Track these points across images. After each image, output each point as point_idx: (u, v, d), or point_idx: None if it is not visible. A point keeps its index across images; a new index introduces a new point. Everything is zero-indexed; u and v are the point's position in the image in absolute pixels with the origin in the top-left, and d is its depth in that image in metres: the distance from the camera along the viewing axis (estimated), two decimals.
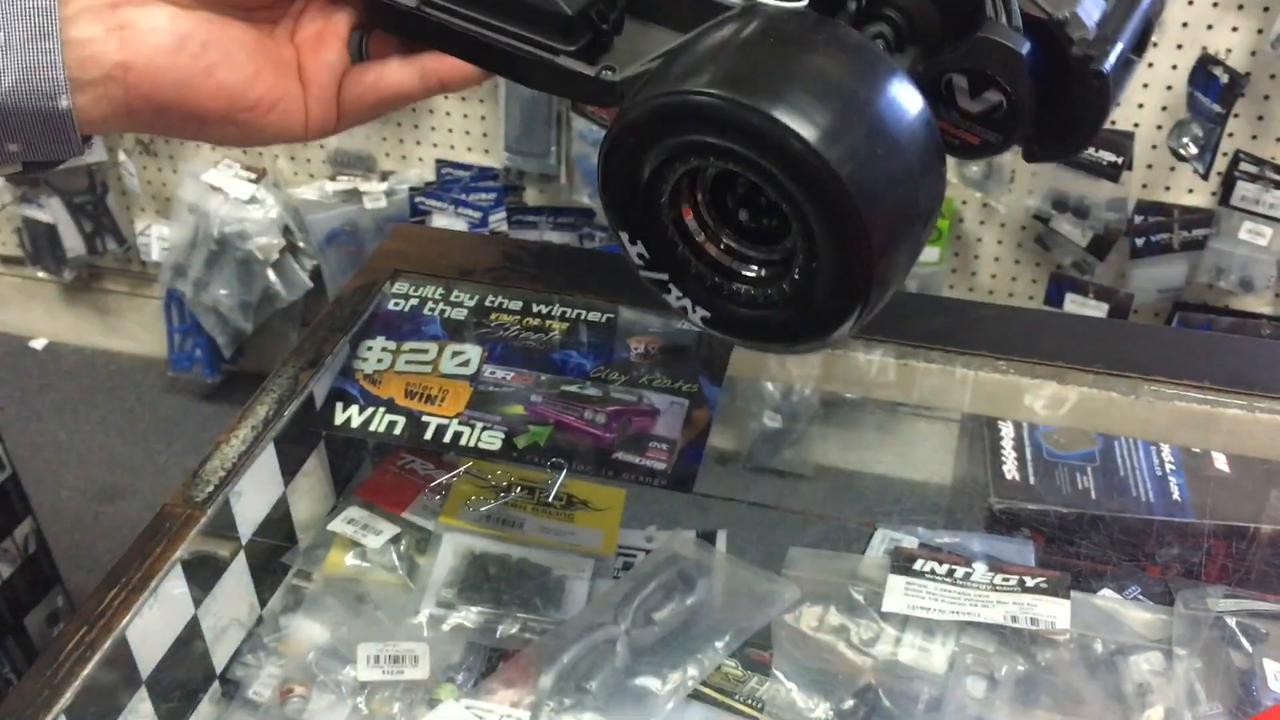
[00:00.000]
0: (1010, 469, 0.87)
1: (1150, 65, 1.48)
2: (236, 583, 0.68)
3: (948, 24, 0.44)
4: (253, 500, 0.69)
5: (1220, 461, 0.86)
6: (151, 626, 0.60)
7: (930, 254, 1.66)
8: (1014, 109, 0.43)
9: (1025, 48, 0.42)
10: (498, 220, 1.77)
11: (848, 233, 0.38)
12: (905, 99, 0.39)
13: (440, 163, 1.81)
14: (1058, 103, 0.44)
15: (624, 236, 0.45)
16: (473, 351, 0.77)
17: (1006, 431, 0.90)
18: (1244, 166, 1.49)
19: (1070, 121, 0.45)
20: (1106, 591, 0.71)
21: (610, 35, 0.47)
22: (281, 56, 0.51)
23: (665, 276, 0.45)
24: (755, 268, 0.44)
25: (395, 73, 0.52)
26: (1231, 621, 0.66)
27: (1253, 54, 1.43)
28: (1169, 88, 1.49)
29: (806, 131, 0.36)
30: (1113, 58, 0.44)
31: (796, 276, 0.42)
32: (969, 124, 0.45)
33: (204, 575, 0.65)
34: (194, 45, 0.46)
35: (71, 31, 0.44)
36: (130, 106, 0.46)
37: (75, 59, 0.44)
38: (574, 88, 0.47)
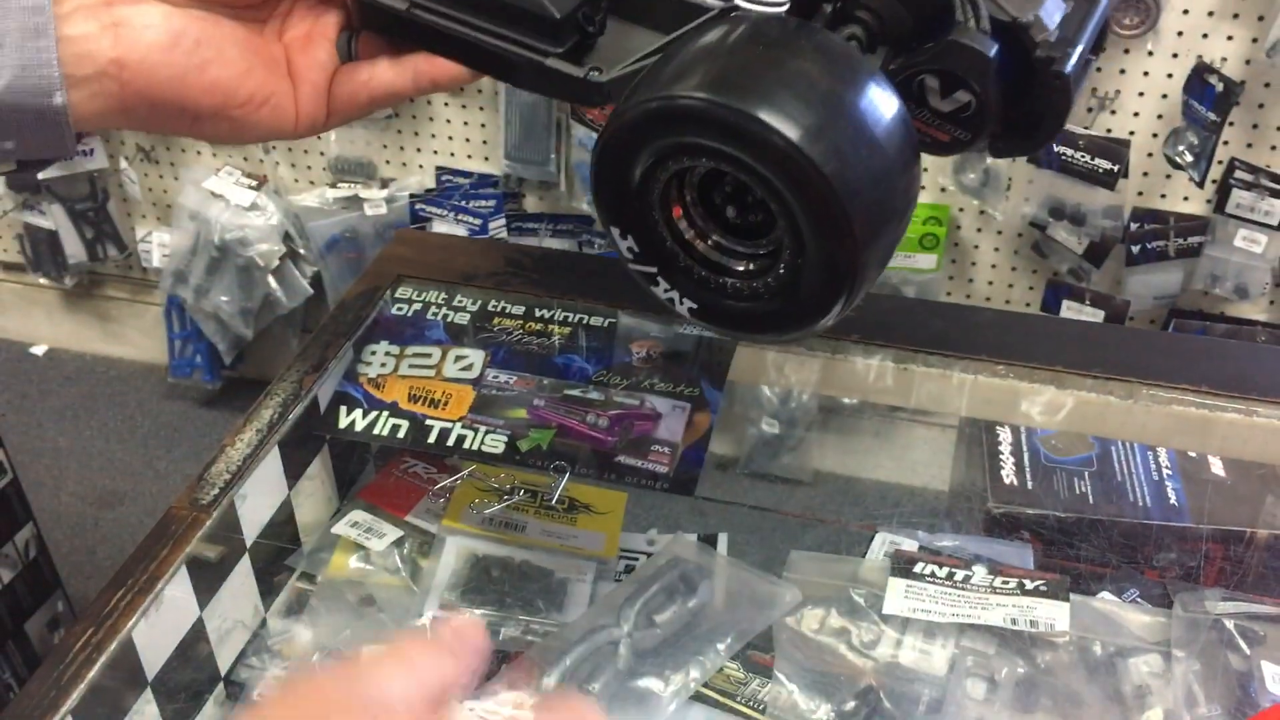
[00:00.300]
0: (1008, 474, 0.87)
1: (1146, 74, 1.49)
2: (241, 585, 0.69)
3: (918, 25, 0.46)
4: (257, 503, 0.69)
5: (1216, 465, 0.87)
6: (157, 628, 0.61)
7: (928, 261, 1.67)
8: (982, 108, 0.45)
9: (993, 50, 0.44)
10: (497, 227, 1.78)
11: (833, 227, 0.40)
12: (884, 100, 0.41)
13: (440, 170, 1.82)
14: (1022, 101, 0.46)
15: (615, 232, 0.46)
16: (476, 356, 0.77)
17: (1004, 436, 0.91)
18: (1239, 174, 1.50)
19: (1034, 119, 0.47)
20: (1105, 594, 0.72)
21: (595, 36, 0.48)
22: (271, 54, 0.51)
23: (654, 270, 0.47)
24: (743, 263, 0.46)
25: (386, 72, 0.53)
26: (1229, 624, 0.67)
27: (1247, 63, 1.45)
28: (1165, 96, 1.50)
29: (792, 132, 0.38)
30: (1074, 59, 0.46)
31: (782, 270, 0.44)
32: (939, 122, 0.47)
33: (209, 577, 0.65)
34: (187, 42, 0.47)
35: (66, 29, 0.44)
36: (125, 102, 0.46)
37: (70, 56, 0.44)
38: (562, 88, 0.48)
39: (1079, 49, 0.46)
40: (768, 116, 0.38)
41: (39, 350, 2.24)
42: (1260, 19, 1.41)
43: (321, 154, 1.86)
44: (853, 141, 0.39)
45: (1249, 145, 1.51)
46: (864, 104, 0.40)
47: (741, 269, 0.46)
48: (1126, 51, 1.48)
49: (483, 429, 0.72)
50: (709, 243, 0.46)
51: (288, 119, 0.52)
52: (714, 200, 0.46)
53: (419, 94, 0.54)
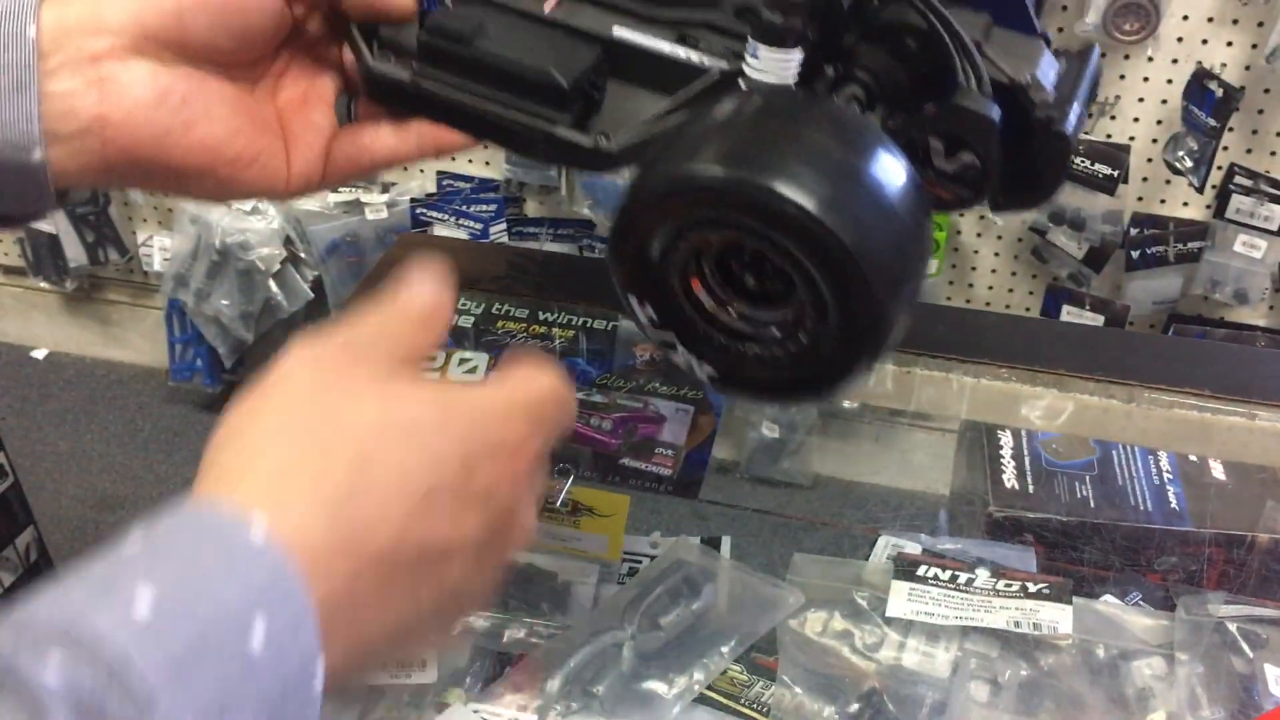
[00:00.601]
0: (1009, 478, 0.87)
1: (1146, 80, 1.50)
2: None
3: (913, 84, 0.46)
4: None
5: (1217, 469, 0.87)
6: None
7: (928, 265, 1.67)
8: (986, 169, 0.45)
9: (996, 114, 0.44)
10: (498, 231, 1.78)
11: (854, 294, 0.40)
12: (896, 167, 0.42)
13: (441, 174, 1.82)
14: (1021, 159, 0.47)
15: (632, 300, 0.46)
16: (480, 359, 0.78)
17: (1005, 440, 0.91)
18: (1239, 180, 1.51)
19: (1033, 176, 0.48)
20: (1108, 597, 0.72)
21: (600, 103, 0.49)
22: (262, 114, 0.50)
23: (673, 336, 0.47)
24: (763, 330, 0.46)
25: (388, 137, 0.52)
26: (1232, 627, 0.67)
27: (1247, 68, 1.45)
28: (1164, 102, 1.50)
29: (810, 203, 0.39)
30: (1072, 118, 0.47)
31: (803, 338, 0.44)
32: (943, 182, 0.47)
33: None
34: (174, 100, 0.46)
35: (50, 84, 0.44)
36: (107, 160, 0.46)
37: (54, 111, 0.44)
38: (570, 156, 0.48)
39: (1076, 107, 0.47)
40: (785, 189, 0.39)
41: (39, 354, 2.24)
42: (1260, 25, 1.42)
43: None
44: (870, 209, 0.40)
45: (1248, 151, 1.52)
46: (878, 172, 0.41)
47: (762, 336, 0.46)
48: (1127, 57, 1.49)
49: None
50: (729, 311, 0.46)
51: (278, 179, 0.51)
52: (734, 269, 0.46)
53: (422, 157, 0.54)
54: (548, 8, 0.49)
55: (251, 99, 0.50)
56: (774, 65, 0.44)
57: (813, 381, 0.45)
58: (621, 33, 0.48)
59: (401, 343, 0.39)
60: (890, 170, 0.41)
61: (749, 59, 0.44)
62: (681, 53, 0.47)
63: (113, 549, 0.31)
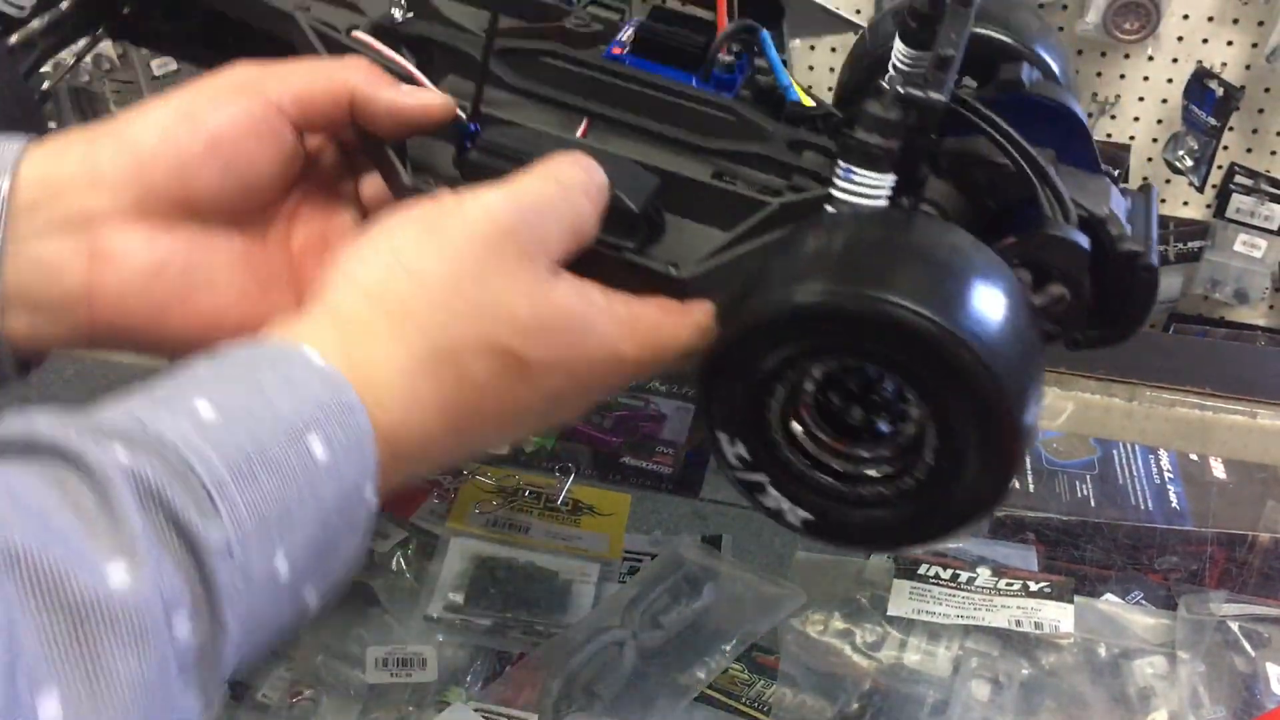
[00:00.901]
0: None
1: (1146, 79, 1.50)
2: None
3: (979, 218, 0.45)
4: None
5: (1218, 468, 0.87)
6: None
7: None
8: (1077, 300, 0.43)
9: (1086, 243, 0.43)
10: None
11: (987, 410, 0.38)
12: (1009, 278, 0.40)
13: None
14: (1099, 296, 0.45)
15: (723, 438, 0.43)
16: None
17: None
18: (1239, 179, 1.50)
19: (1113, 313, 0.46)
20: (1110, 596, 0.72)
21: (662, 230, 0.46)
22: (271, 268, 0.45)
23: (765, 479, 0.43)
24: (873, 468, 0.43)
25: None
26: (1234, 626, 0.67)
27: (1247, 68, 1.45)
28: (1164, 101, 1.50)
29: (938, 314, 0.37)
30: (1155, 251, 0.45)
31: (919, 474, 0.41)
32: None
33: None
34: (173, 270, 0.41)
35: (36, 246, 0.39)
36: (94, 333, 0.41)
37: (37, 277, 0.40)
38: (636, 283, 0.45)
39: (1155, 240, 0.46)
40: (910, 302, 0.37)
41: None
42: (1260, 24, 1.42)
43: None
44: (993, 319, 0.38)
45: (1249, 150, 1.52)
46: (995, 283, 0.39)
47: (870, 475, 0.43)
48: (1127, 56, 1.49)
49: None
50: (834, 449, 0.43)
51: None
52: (837, 405, 0.43)
53: None
54: (578, 134, 0.47)
55: (261, 250, 0.45)
56: (868, 188, 0.42)
57: (932, 523, 0.42)
58: (660, 161, 0.46)
59: (572, 230, 0.40)
60: (1005, 281, 0.40)
61: (839, 182, 0.42)
62: (732, 186, 0.46)
63: (175, 372, 0.33)
